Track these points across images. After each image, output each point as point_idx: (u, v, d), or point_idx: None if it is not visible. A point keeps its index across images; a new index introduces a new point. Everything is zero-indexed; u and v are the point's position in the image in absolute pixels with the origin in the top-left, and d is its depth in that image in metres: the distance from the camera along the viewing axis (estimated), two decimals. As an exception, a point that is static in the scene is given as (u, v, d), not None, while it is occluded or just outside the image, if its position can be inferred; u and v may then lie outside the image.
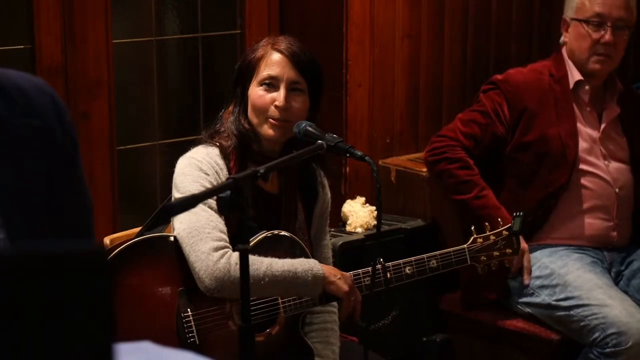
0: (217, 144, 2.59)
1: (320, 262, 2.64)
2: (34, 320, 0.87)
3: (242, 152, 2.59)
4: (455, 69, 4.28)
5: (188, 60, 4.00)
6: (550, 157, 3.40)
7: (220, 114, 2.69)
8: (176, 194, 2.54)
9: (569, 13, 3.48)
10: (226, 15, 4.02)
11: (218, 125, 2.65)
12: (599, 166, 3.44)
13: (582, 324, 3.21)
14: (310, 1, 4.03)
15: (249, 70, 2.62)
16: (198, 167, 2.54)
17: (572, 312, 3.26)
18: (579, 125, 3.45)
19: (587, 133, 3.45)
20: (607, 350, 3.13)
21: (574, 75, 3.47)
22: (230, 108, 2.65)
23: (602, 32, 3.39)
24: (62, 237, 1.37)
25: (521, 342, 3.44)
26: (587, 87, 3.47)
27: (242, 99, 2.63)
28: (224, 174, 2.55)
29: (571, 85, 3.46)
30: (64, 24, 3.47)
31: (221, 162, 2.57)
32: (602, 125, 3.48)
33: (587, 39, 3.41)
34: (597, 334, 3.16)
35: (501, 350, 3.54)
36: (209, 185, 2.50)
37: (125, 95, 3.78)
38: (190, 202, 2.07)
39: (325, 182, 2.79)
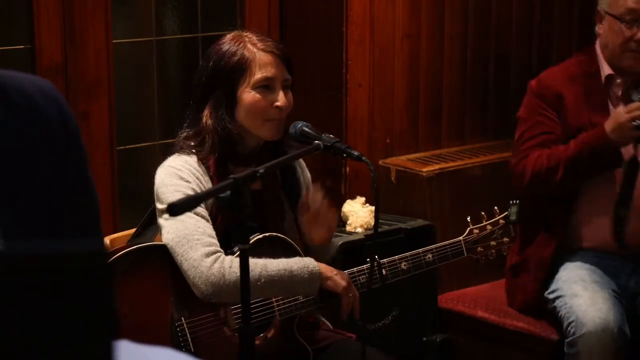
0: (194, 150, 2.56)
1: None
2: (34, 320, 0.87)
3: (221, 154, 2.57)
4: (455, 69, 4.28)
5: (188, 60, 4.00)
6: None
7: (187, 120, 2.64)
8: (159, 206, 2.52)
9: (603, 5, 3.29)
10: (226, 15, 4.02)
11: (189, 130, 2.61)
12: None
13: (559, 314, 3.22)
14: (310, 1, 4.02)
15: (236, 72, 2.57)
16: (178, 175, 2.51)
17: (554, 304, 3.26)
18: None
19: None
20: (569, 338, 3.12)
21: (605, 69, 3.30)
22: (207, 112, 2.59)
23: (636, 29, 3.20)
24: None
25: (521, 342, 3.44)
26: (618, 81, 3.29)
27: (226, 101, 2.58)
28: (205, 180, 2.53)
29: (603, 80, 3.30)
30: (64, 24, 3.47)
31: (200, 169, 2.54)
32: None
33: (620, 36, 3.23)
34: (564, 324, 3.16)
35: (501, 350, 3.54)
36: (191, 193, 2.47)
37: (125, 95, 3.78)
38: (191, 202, 2.08)
39: (303, 165, 2.78)
